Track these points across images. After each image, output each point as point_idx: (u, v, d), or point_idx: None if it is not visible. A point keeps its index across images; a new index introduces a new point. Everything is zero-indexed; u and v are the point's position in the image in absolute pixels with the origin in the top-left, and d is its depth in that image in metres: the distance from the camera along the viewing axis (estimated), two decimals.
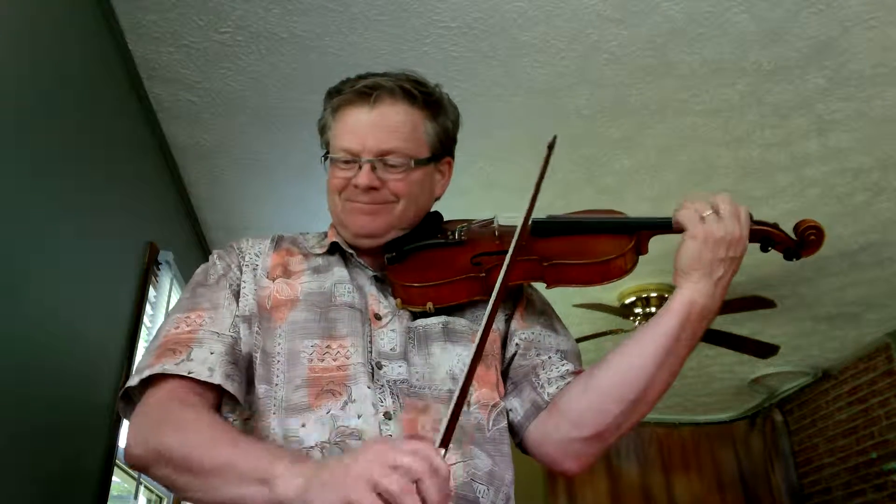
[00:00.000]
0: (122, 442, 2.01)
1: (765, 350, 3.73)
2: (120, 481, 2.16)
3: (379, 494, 0.70)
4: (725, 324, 3.75)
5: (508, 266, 0.95)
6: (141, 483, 2.18)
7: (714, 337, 3.71)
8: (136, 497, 2.16)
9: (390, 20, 2.04)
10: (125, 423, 2.06)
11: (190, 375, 0.96)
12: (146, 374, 0.98)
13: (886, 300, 3.81)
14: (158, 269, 2.38)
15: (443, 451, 0.75)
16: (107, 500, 1.91)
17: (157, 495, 2.50)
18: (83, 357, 1.83)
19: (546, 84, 2.31)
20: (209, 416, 0.94)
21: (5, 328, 1.42)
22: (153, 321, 2.34)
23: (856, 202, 2.97)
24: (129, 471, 2.15)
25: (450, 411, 0.80)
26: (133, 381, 0.99)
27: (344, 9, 1.99)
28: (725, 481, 5.41)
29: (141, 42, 2.08)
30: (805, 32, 2.12)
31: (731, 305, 3.42)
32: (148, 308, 2.30)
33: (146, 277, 2.25)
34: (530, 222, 1.11)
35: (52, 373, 1.64)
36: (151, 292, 2.34)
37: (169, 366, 0.97)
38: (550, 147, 1.16)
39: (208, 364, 0.98)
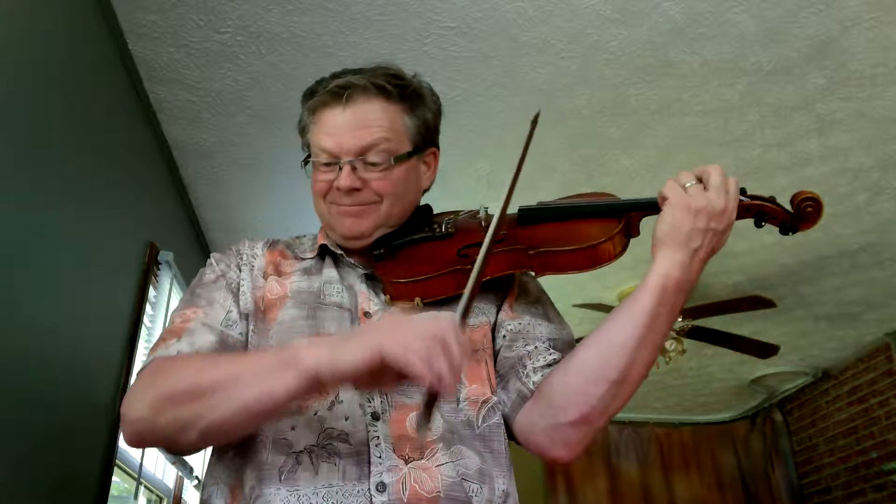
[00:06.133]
0: (122, 442, 2.01)
1: (765, 350, 3.73)
2: (120, 481, 2.16)
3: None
4: (725, 324, 3.75)
5: (486, 252, 0.93)
6: (141, 483, 2.18)
7: (714, 337, 3.71)
8: (136, 497, 2.16)
9: (390, 20, 2.04)
10: None
11: (177, 355, 0.98)
12: (141, 367, 0.99)
13: (886, 300, 3.81)
14: (158, 269, 2.38)
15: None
16: (107, 501, 1.91)
17: (157, 495, 2.49)
18: (83, 357, 1.83)
19: (546, 84, 2.31)
20: (200, 354, 0.98)
21: (5, 328, 1.42)
22: (153, 321, 2.34)
23: (856, 202, 2.97)
24: (129, 471, 2.15)
25: (469, 285, 0.87)
26: (133, 378, 1.00)
27: (344, 9, 1.99)
28: (725, 481, 5.41)
29: (141, 42, 2.08)
30: (805, 32, 2.12)
31: (731, 305, 3.42)
32: (148, 308, 2.30)
33: (146, 277, 2.25)
34: (516, 211, 1.10)
35: (52, 372, 1.64)
36: (151, 292, 2.34)
37: (160, 352, 0.99)
38: (534, 123, 1.12)
39: (196, 347, 0.99)
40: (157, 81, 2.23)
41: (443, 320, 0.80)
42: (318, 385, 0.84)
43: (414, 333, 0.78)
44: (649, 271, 0.97)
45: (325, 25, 2.05)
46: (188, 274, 2.62)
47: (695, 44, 2.16)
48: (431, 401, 0.78)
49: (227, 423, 0.89)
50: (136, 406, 0.93)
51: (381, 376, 0.80)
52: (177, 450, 0.97)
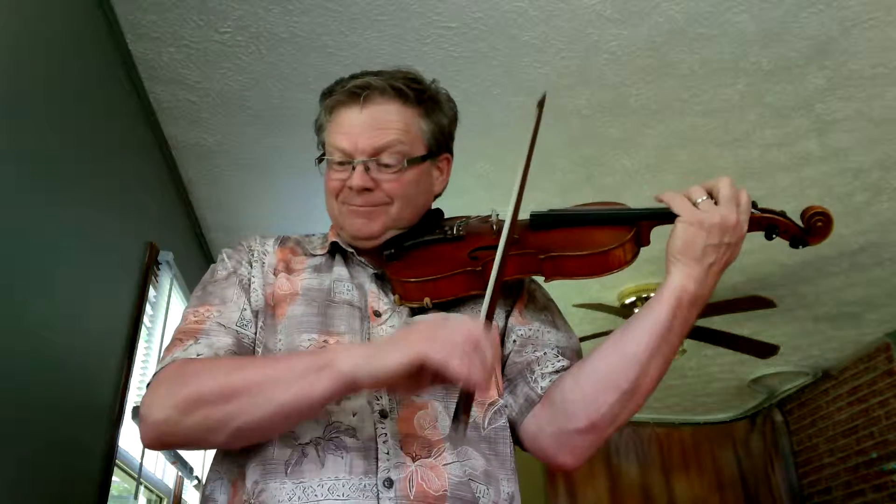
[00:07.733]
0: (122, 442, 2.01)
1: (765, 350, 3.73)
2: (120, 481, 2.16)
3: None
4: (725, 324, 3.75)
5: (502, 255, 0.94)
6: (141, 483, 2.18)
7: (714, 337, 3.71)
8: (136, 497, 2.16)
9: (390, 20, 2.04)
10: (125, 423, 2.06)
11: (198, 357, 0.97)
12: (158, 368, 0.98)
13: (886, 300, 3.81)
14: (158, 269, 2.38)
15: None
16: (107, 501, 1.91)
17: (157, 495, 2.49)
18: (83, 357, 1.83)
19: (546, 84, 2.31)
20: (226, 356, 0.98)
21: (5, 328, 1.42)
22: (153, 321, 2.34)
23: (856, 202, 2.97)
24: (129, 471, 2.15)
25: (489, 288, 0.88)
26: (150, 379, 0.99)
27: (344, 9, 1.99)
28: (725, 481, 5.41)
29: (141, 42, 2.08)
30: (805, 32, 2.12)
31: (731, 305, 3.42)
32: (148, 308, 2.30)
33: (146, 277, 2.25)
34: (529, 216, 1.10)
35: (52, 372, 1.64)
36: (151, 292, 2.34)
37: (178, 353, 0.98)
38: (540, 105, 1.12)
39: (214, 349, 0.98)
40: (157, 81, 2.23)
41: (473, 323, 0.82)
42: (353, 388, 0.86)
43: (450, 337, 0.80)
44: (664, 284, 0.98)
45: (325, 25, 2.05)
46: (188, 274, 2.62)
47: (695, 44, 2.16)
48: (468, 401, 0.82)
49: (260, 425, 0.89)
50: (159, 407, 0.92)
51: (418, 380, 0.82)
52: (197, 448, 0.97)
